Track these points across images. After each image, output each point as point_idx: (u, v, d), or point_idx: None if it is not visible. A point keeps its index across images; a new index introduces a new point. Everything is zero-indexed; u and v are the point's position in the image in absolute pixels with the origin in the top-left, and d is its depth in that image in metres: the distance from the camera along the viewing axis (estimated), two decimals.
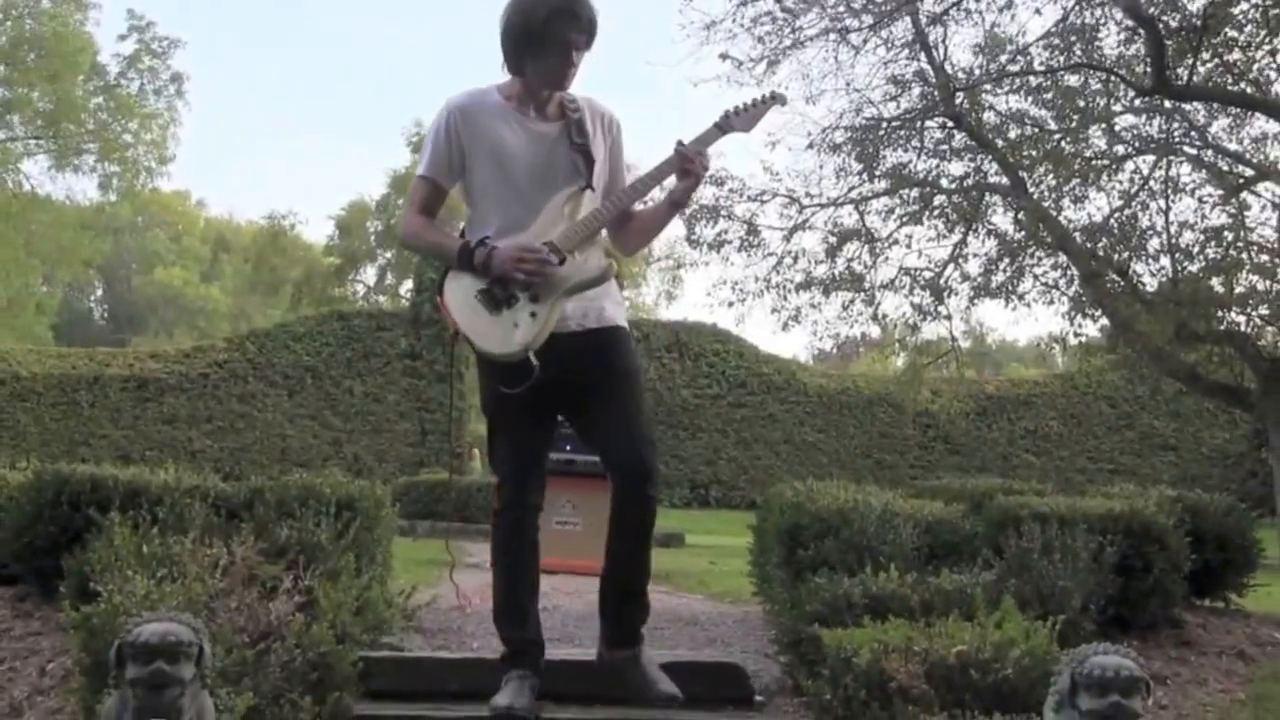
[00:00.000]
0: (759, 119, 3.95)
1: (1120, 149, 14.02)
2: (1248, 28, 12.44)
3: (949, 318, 15.56)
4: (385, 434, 22.70)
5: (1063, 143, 13.56)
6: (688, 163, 3.75)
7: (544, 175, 3.75)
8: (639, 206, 3.99)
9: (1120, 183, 14.15)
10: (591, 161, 3.78)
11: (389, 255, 35.46)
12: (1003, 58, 13.77)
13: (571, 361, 3.69)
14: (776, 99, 4.00)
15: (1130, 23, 12.48)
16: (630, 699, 3.94)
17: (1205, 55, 12.43)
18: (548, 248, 3.65)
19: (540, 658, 3.92)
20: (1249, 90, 13.00)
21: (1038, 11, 15.72)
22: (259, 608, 3.98)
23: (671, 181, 3.88)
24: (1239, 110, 13.43)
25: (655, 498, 3.81)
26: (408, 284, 31.17)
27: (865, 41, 13.95)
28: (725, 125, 3.87)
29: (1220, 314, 13.44)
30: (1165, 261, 13.87)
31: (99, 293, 54.89)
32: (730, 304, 15.66)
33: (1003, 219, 14.78)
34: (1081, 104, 13.49)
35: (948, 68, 13.93)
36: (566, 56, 3.67)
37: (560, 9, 3.60)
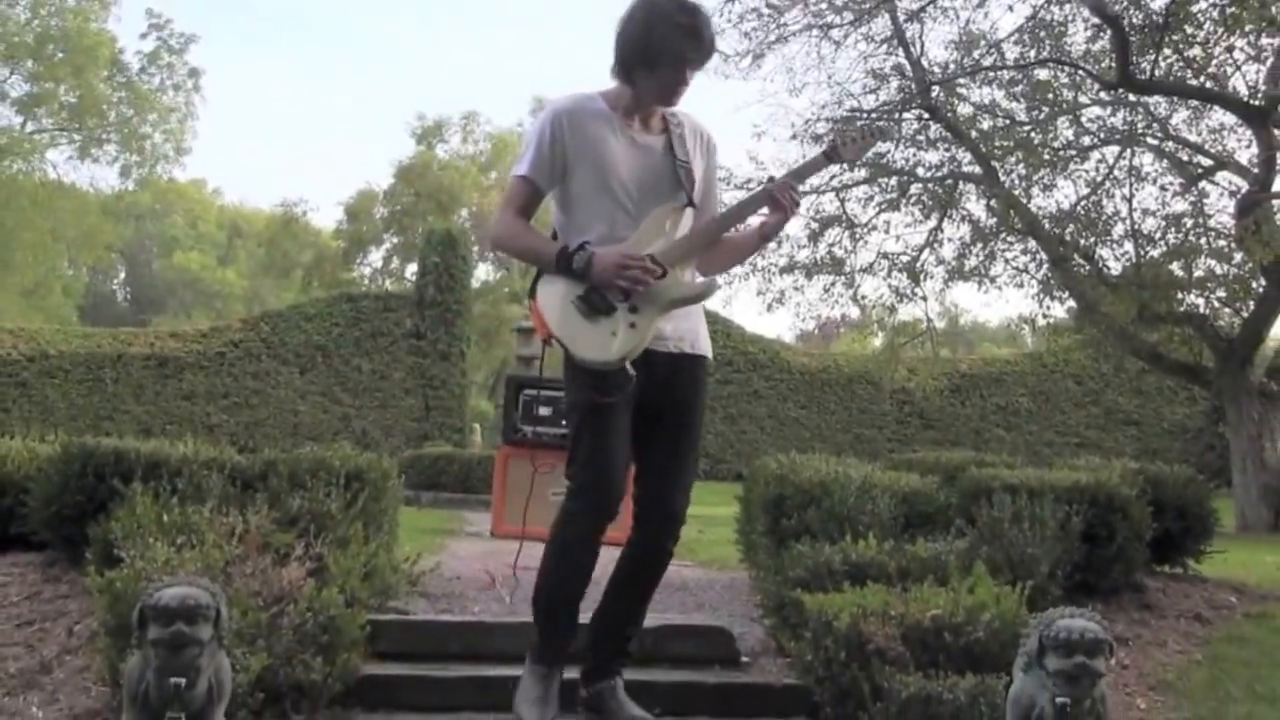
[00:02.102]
0: (865, 151, 3.82)
1: (1087, 140, 14.02)
2: (1206, 25, 12.43)
3: (925, 300, 15.60)
4: (391, 409, 22.65)
5: (1032, 134, 13.56)
6: (781, 194, 3.53)
7: (649, 188, 3.52)
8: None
9: (1086, 172, 14.18)
10: (693, 178, 3.58)
11: (395, 240, 35.38)
12: (976, 53, 13.76)
13: (662, 379, 3.53)
14: (884, 133, 3.90)
15: (1096, 20, 12.47)
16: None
17: (1167, 51, 12.42)
18: (649, 259, 3.45)
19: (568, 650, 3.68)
20: (1208, 84, 12.99)
21: (1010, 8, 15.67)
22: (272, 573, 3.98)
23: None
24: (1199, 103, 13.43)
25: (672, 552, 3.68)
26: (411, 267, 31.11)
27: (846, 37, 13.92)
28: (833, 155, 3.70)
29: (1180, 296, 13.50)
30: (1129, 246, 13.91)
31: (121, 276, 54.66)
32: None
33: (976, 206, 14.81)
34: (1050, 97, 13.49)
35: (924, 62, 13.91)
36: (681, 74, 3.44)
37: (684, 26, 3.37)
